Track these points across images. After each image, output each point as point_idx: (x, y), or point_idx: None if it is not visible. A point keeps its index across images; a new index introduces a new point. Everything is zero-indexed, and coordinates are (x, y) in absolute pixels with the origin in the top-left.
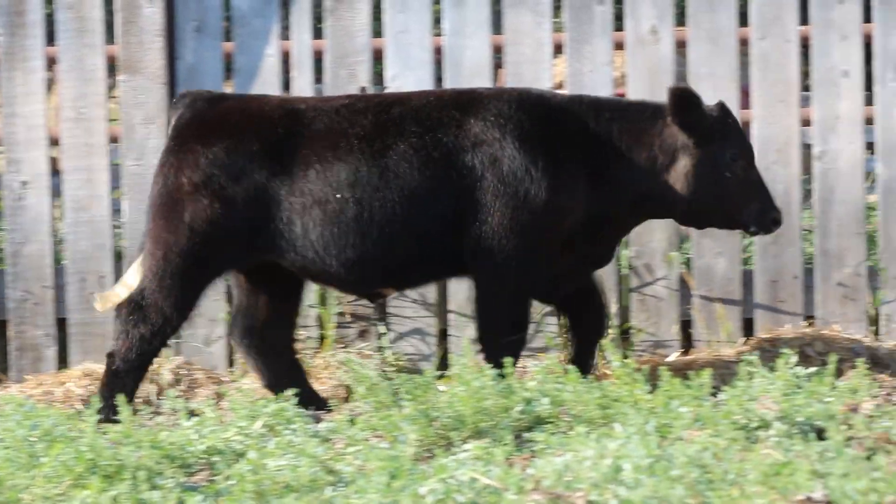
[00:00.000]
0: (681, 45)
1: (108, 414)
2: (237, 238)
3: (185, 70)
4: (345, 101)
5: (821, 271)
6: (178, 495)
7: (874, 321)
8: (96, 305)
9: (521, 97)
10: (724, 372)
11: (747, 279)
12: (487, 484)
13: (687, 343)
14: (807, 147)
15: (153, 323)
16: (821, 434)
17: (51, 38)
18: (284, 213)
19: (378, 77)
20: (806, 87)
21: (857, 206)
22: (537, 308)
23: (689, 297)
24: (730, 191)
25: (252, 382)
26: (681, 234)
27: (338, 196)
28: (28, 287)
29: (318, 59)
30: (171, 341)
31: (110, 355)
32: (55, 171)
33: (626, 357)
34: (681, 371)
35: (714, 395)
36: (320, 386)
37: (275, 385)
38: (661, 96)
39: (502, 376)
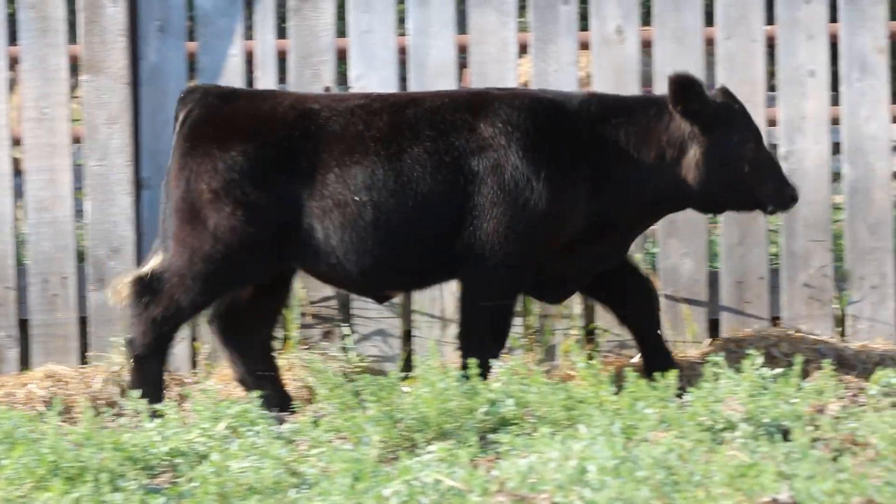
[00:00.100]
0: (646, 45)
1: (153, 399)
2: (262, 246)
3: (149, 70)
4: (360, 101)
5: (787, 272)
6: (140, 497)
7: (840, 322)
8: (108, 298)
9: (531, 104)
10: (690, 373)
11: (713, 280)
12: (452, 486)
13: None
14: (773, 147)
15: (166, 308)
16: (787, 435)
17: (13, 38)
18: (306, 219)
19: (342, 77)
20: (772, 87)
21: (824, 207)
22: None
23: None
24: (743, 173)
25: (215, 384)
26: (645, 235)
27: (356, 199)
28: None
29: (281, 58)
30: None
31: (130, 342)
32: (17, 172)
33: (591, 358)
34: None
35: (680, 396)
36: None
37: (246, 379)
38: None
39: (482, 376)
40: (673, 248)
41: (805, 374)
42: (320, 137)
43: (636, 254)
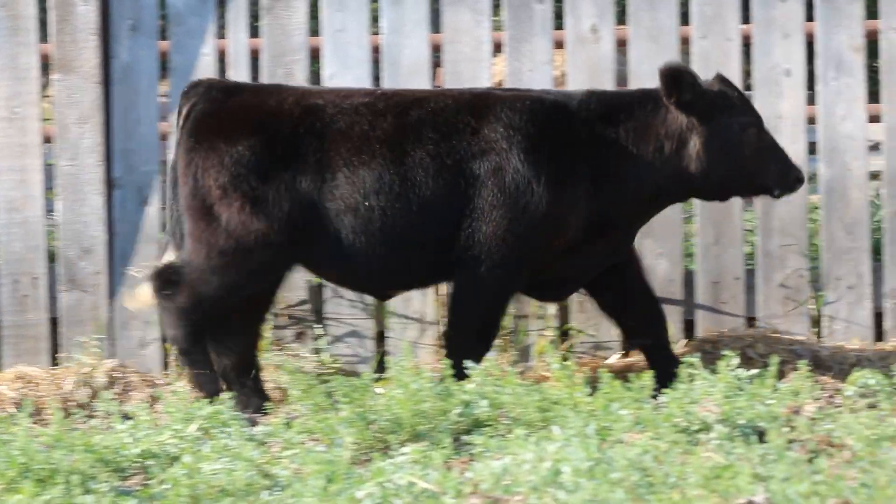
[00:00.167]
0: (621, 44)
1: (210, 387)
2: (273, 241)
3: (121, 69)
4: (364, 98)
5: (763, 272)
6: (111, 499)
7: (816, 322)
8: (127, 304)
9: (533, 107)
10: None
11: (689, 280)
12: (425, 488)
13: (627, 345)
14: None
15: (189, 296)
16: (762, 436)
17: None
18: (312, 217)
19: (315, 76)
20: (748, 86)
21: (800, 207)
22: None
23: None
24: (746, 159)
25: (187, 385)
26: None
27: (362, 200)
28: None
29: (254, 57)
30: (107, 343)
31: (172, 339)
32: None
33: (565, 359)
34: (621, 373)
35: (655, 397)
36: None
37: (227, 374)
38: None
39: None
40: (648, 249)
41: (781, 375)
42: (325, 135)
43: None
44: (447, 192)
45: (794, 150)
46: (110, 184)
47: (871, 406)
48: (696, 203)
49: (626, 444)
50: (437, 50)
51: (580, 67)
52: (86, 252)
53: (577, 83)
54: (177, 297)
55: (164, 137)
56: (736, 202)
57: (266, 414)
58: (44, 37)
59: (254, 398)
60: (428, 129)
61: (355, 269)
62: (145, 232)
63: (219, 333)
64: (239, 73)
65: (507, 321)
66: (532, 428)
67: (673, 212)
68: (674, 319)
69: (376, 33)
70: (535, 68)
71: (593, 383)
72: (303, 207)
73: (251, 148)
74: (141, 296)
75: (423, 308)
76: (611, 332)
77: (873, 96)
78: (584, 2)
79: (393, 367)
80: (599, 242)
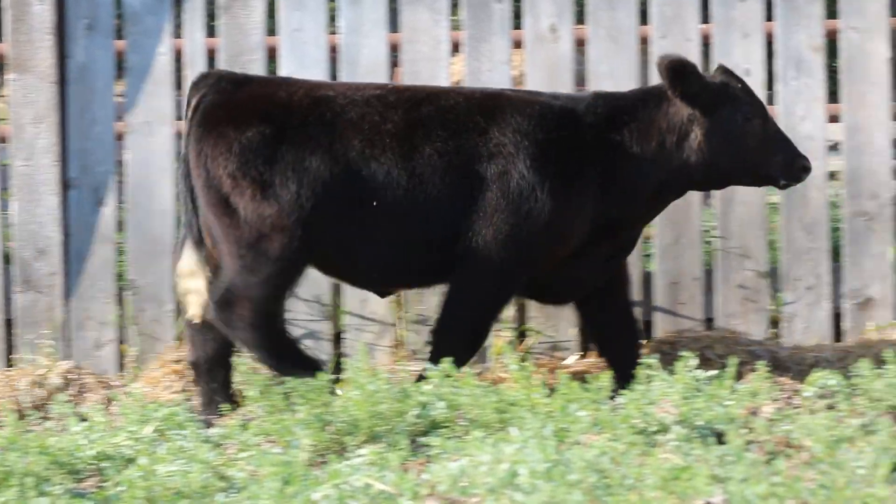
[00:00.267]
0: (580, 44)
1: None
2: (288, 228)
3: (76, 69)
4: (375, 91)
5: (721, 273)
6: (66, 502)
7: (775, 323)
8: (190, 317)
9: (542, 112)
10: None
11: (647, 281)
12: (382, 489)
13: (585, 346)
14: None
15: (249, 308)
16: (721, 438)
17: None
18: (319, 209)
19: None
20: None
21: (759, 207)
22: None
23: None
24: (751, 150)
25: (142, 386)
26: None
27: (368, 195)
28: None
29: (211, 57)
30: (62, 344)
31: (259, 360)
32: None
33: (523, 360)
34: (579, 374)
35: (612, 398)
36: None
37: (199, 364)
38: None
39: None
40: None
41: (739, 376)
42: (336, 126)
43: None
44: (452, 191)
45: None
46: (66, 184)
47: (830, 407)
48: None
49: (584, 445)
50: (395, 49)
51: (539, 67)
52: (41, 253)
53: (535, 83)
54: (240, 316)
55: (119, 137)
56: (694, 203)
57: (222, 415)
58: None
59: (218, 397)
60: (437, 126)
61: (357, 262)
62: (101, 233)
63: (199, 323)
64: (195, 72)
65: None
66: (489, 429)
67: None
68: None
69: (334, 33)
70: (494, 68)
71: (551, 384)
72: (311, 195)
73: (261, 134)
74: (195, 305)
75: (379, 309)
76: (568, 333)
77: (833, 96)
78: (543, 1)
79: (350, 368)
80: (605, 244)
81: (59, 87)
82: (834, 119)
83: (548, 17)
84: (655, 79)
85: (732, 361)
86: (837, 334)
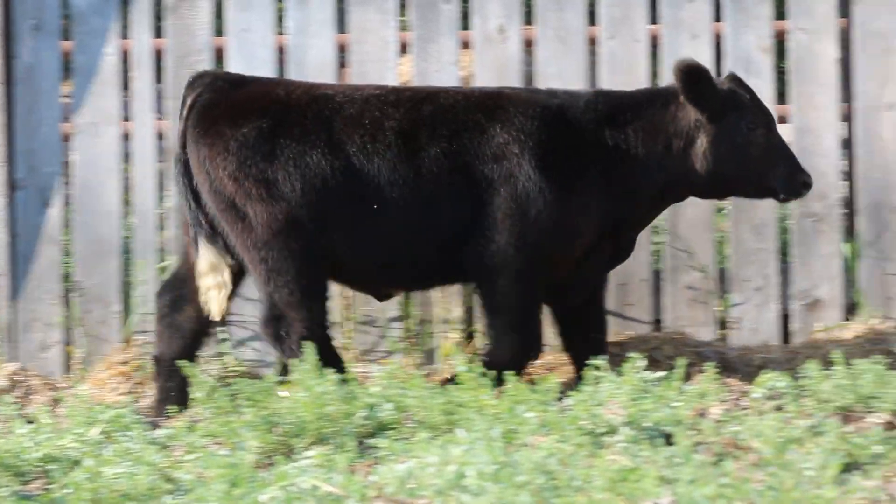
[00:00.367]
0: (529, 44)
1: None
2: (296, 224)
3: (23, 69)
4: (374, 91)
5: (669, 274)
6: None
7: (723, 324)
8: (214, 315)
9: (543, 112)
10: (571, 376)
11: None
12: (329, 491)
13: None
14: None
15: (298, 324)
16: (669, 439)
17: None
18: (320, 208)
19: None
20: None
21: (707, 208)
22: (382, 313)
23: None
24: (752, 160)
25: (89, 388)
26: None
27: (367, 195)
28: None
29: (158, 57)
30: (7, 346)
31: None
32: None
33: (471, 361)
34: (527, 376)
35: (560, 400)
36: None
37: (163, 360)
38: None
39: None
40: None
41: (688, 378)
42: (334, 122)
43: None
44: (454, 193)
45: None
46: (12, 185)
47: (778, 408)
48: None
49: (532, 447)
50: (342, 50)
51: (487, 67)
52: None
53: (483, 83)
54: (291, 334)
55: (66, 138)
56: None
57: (169, 417)
58: None
59: (172, 397)
60: (439, 125)
61: (352, 262)
62: (47, 233)
63: (169, 319)
64: (143, 73)
65: (412, 324)
66: (437, 431)
67: None
68: None
69: (282, 33)
70: (442, 68)
71: (499, 386)
72: (313, 191)
73: (257, 129)
74: (216, 302)
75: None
76: None
77: (781, 97)
78: (491, 2)
79: (297, 369)
80: (608, 245)
81: (5, 88)
82: (783, 120)
83: (496, 18)
84: (604, 80)
85: (680, 363)
86: (786, 335)
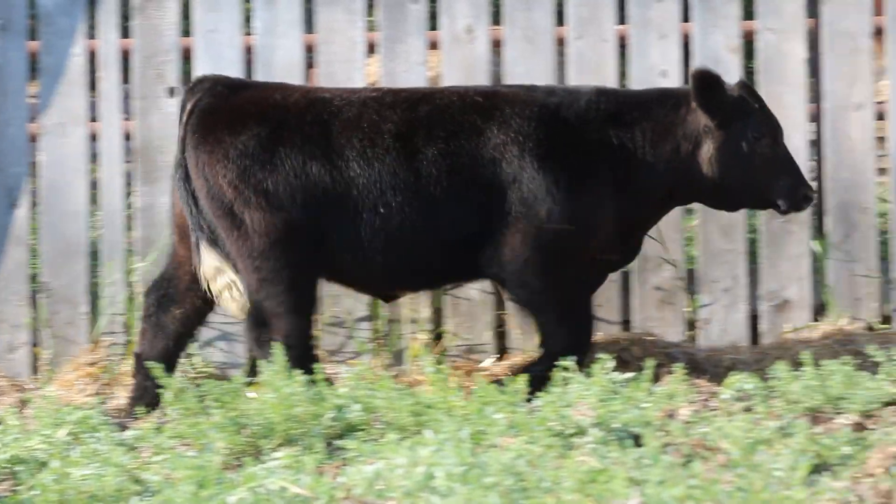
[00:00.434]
0: (497, 44)
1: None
2: (296, 232)
3: None
4: (372, 93)
5: (638, 275)
6: None
7: (692, 325)
8: (236, 315)
9: (541, 111)
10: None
11: None
12: (297, 493)
13: (501, 348)
14: None
15: (284, 327)
16: (637, 440)
17: None
18: (320, 212)
19: (187, 77)
20: (624, 87)
21: (676, 209)
22: (350, 314)
23: (503, 302)
24: (756, 170)
25: (57, 389)
26: None
27: (370, 198)
28: None
29: (125, 58)
30: None
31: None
32: None
33: (439, 362)
34: (495, 377)
35: (529, 401)
36: (126, 392)
37: (141, 358)
38: None
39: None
40: None
41: (656, 379)
42: (332, 126)
43: None
44: (459, 194)
45: None
46: None
47: (747, 409)
48: None
49: (500, 448)
50: (310, 50)
51: (455, 68)
52: None
53: (451, 84)
54: (273, 339)
55: (33, 139)
56: None
57: (138, 417)
58: None
59: (147, 397)
60: (438, 128)
61: (355, 266)
62: (14, 234)
63: (155, 319)
64: (110, 73)
65: (380, 324)
66: (405, 432)
67: None
68: None
69: (249, 34)
70: (410, 69)
71: (467, 387)
72: (313, 196)
73: (256, 137)
74: (232, 302)
75: None
76: (484, 336)
77: None
78: (459, 2)
79: (265, 371)
80: (621, 245)
81: None
82: None
83: (464, 18)
84: (572, 80)
85: (649, 364)
86: (754, 336)
